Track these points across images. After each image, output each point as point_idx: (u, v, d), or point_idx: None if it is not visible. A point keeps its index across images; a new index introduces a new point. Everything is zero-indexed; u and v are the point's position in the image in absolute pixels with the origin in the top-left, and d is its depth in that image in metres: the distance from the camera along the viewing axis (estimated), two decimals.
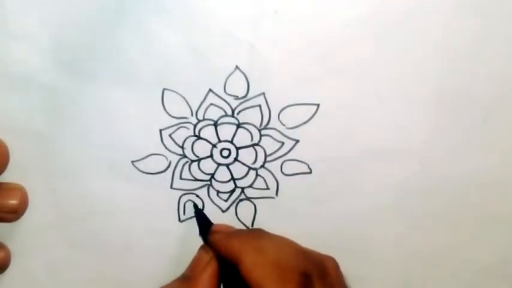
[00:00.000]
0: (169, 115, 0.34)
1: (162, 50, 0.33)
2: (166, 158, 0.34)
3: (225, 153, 0.34)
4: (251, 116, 0.34)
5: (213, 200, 0.35)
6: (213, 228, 0.32)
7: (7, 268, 0.34)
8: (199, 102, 0.34)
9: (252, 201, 0.35)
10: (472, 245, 0.35)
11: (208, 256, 0.30)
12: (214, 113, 0.34)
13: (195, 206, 0.34)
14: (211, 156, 0.34)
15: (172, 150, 0.34)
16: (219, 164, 0.34)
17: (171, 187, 0.34)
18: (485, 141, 0.35)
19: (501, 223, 0.35)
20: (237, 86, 0.33)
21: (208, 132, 0.34)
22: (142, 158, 0.34)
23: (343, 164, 0.34)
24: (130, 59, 0.33)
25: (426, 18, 0.33)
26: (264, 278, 0.26)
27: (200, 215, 0.33)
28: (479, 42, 0.34)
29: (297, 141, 0.34)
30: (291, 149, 0.34)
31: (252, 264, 0.27)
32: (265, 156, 0.34)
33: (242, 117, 0.34)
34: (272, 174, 0.34)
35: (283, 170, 0.34)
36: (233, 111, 0.34)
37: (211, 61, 0.33)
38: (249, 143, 0.34)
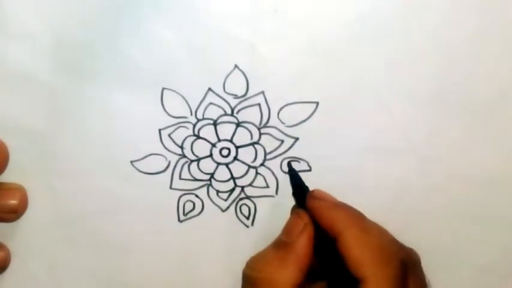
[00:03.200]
0: (169, 115, 0.34)
1: (161, 50, 0.33)
2: (166, 158, 0.34)
3: (225, 152, 0.34)
4: (250, 115, 0.34)
5: (213, 199, 0.35)
6: (315, 193, 0.30)
7: (7, 268, 0.34)
8: (198, 102, 0.34)
9: (252, 200, 0.34)
10: (472, 243, 0.35)
11: (303, 222, 0.28)
12: (213, 112, 0.34)
13: (289, 164, 0.33)
14: (210, 155, 0.34)
15: (172, 150, 0.34)
16: (218, 163, 0.34)
17: (171, 187, 0.34)
18: (485, 140, 0.34)
19: (501, 222, 0.35)
20: (237, 85, 0.34)
21: (207, 132, 0.34)
22: (142, 158, 0.34)
23: (343, 162, 0.34)
24: (130, 59, 0.33)
25: (425, 16, 0.33)
26: (364, 257, 0.26)
27: (294, 175, 0.32)
28: (479, 39, 0.34)
29: (297, 139, 0.34)
30: (291, 147, 0.34)
31: (355, 240, 0.26)
32: (265, 154, 0.34)
33: (241, 116, 0.34)
34: (272, 172, 0.34)
35: (283, 168, 0.34)
36: (232, 110, 0.34)
37: (210, 60, 0.33)
38: (248, 141, 0.34)
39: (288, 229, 0.29)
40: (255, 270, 0.27)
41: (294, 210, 0.30)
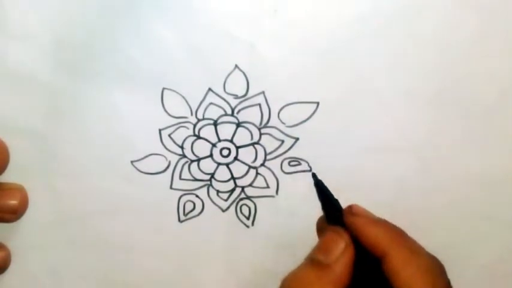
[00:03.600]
0: (169, 115, 0.34)
1: (161, 50, 0.33)
2: (166, 158, 0.34)
3: (225, 152, 0.34)
4: (251, 115, 0.34)
5: (213, 199, 0.35)
6: (355, 208, 0.28)
7: (7, 268, 0.34)
8: (198, 102, 0.34)
9: (252, 200, 0.34)
10: (472, 243, 0.35)
11: (343, 241, 0.26)
12: (213, 112, 0.34)
13: (314, 175, 0.29)
14: (211, 155, 0.34)
15: (172, 150, 0.34)
16: (218, 164, 0.34)
17: (171, 187, 0.34)
18: (485, 139, 0.34)
19: (501, 222, 0.35)
20: (237, 85, 0.34)
21: (208, 132, 0.34)
22: (142, 158, 0.34)
23: (343, 162, 0.34)
24: (130, 59, 0.33)
25: (425, 16, 0.33)
26: (414, 280, 0.24)
27: (322, 187, 0.29)
28: (479, 39, 0.34)
29: (297, 139, 0.34)
30: (291, 147, 0.34)
31: (404, 262, 0.25)
32: (265, 154, 0.34)
33: (242, 116, 0.34)
34: (272, 172, 0.34)
35: (283, 169, 0.34)
36: (233, 110, 0.34)
37: (210, 60, 0.33)
38: (248, 141, 0.34)
39: (326, 248, 0.27)
40: (295, 286, 0.26)
41: (330, 227, 0.28)
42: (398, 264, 0.25)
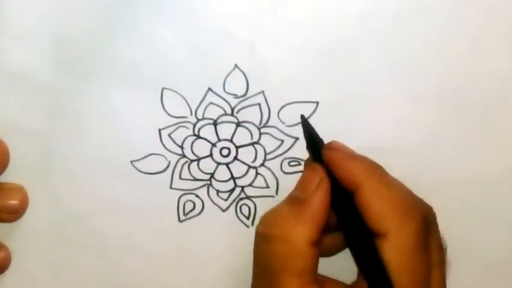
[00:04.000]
0: (169, 114, 0.34)
1: (161, 50, 0.33)
2: (166, 158, 0.34)
3: (225, 152, 0.34)
4: (250, 115, 0.34)
5: (213, 199, 0.34)
6: (331, 144, 0.29)
7: (7, 268, 0.34)
8: (198, 101, 0.34)
9: (252, 200, 0.34)
10: (472, 243, 0.35)
11: (318, 176, 0.27)
12: (213, 112, 0.34)
13: (302, 116, 0.31)
14: (210, 155, 0.34)
15: (172, 149, 0.34)
16: (218, 163, 0.34)
17: (171, 187, 0.34)
18: (485, 140, 0.34)
19: (501, 222, 0.35)
20: (237, 85, 0.34)
21: (207, 132, 0.34)
22: (142, 158, 0.34)
23: None
24: (130, 59, 0.33)
25: (425, 16, 0.33)
26: (385, 211, 0.24)
27: (308, 127, 0.30)
28: (480, 39, 0.34)
29: (297, 139, 0.34)
30: (291, 147, 0.34)
31: (375, 194, 0.25)
32: (265, 154, 0.34)
33: (241, 116, 0.34)
34: (272, 172, 0.34)
35: (283, 169, 0.34)
36: (232, 110, 0.34)
37: (210, 60, 0.33)
38: (248, 141, 0.34)
39: (302, 184, 0.27)
40: (270, 227, 0.26)
41: (308, 163, 0.29)
42: (370, 197, 0.25)
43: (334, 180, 0.27)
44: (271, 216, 0.27)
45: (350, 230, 0.26)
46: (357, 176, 0.26)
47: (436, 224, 0.27)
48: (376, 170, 0.27)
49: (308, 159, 0.30)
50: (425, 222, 0.25)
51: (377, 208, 0.25)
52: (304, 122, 0.30)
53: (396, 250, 0.24)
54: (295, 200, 0.27)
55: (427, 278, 0.25)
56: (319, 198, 0.26)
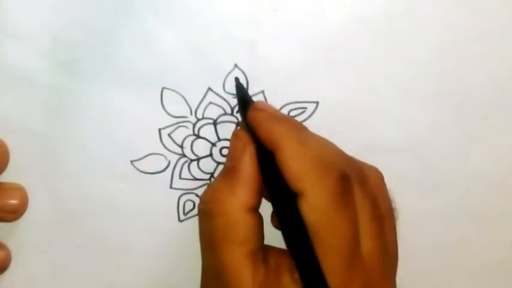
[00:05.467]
0: (169, 114, 0.34)
1: (161, 49, 0.33)
2: (166, 158, 0.34)
3: (225, 151, 0.34)
4: None
5: None
6: (256, 104, 0.28)
7: (7, 268, 0.34)
8: (198, 101, 0.34)
9: None
10: (472, 243, 0.35)
11: (242, 142, 0.27)
12: (213, 112, 0.34)
13: (237, 79, 0.31)
14: (210, 155, 0.34)
15: (172, 149, 0.34)
16: (218, 163, 0.34)
17: (171, 187, 0.34)
18: (485, 139, 0.34)
19: (501, 222, 0.35)
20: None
21: (207, 131, 0.34)
22: (142, 158, 0.34)
23: None
24: (130, 59, 0.33)
25: (426, 15, 0.33)
26: (302, 171, 0.24)
27: (241, 89, 0.30)
28: (480, 39, 0.34)
29: None
30: None
31: (292, 154, 0.25)
32: None
33: None
34: None
35: None
36: (232, 109, 0.34)
37: (210, 60, 0.33)
38: None
39: (230, 153, 0.27)
40: (208, 203, 0.26)
41: (232, 132, 0.29)
42: (288, 157, 0.25)
43: (259, 143, 0.26)
44: (208, 193, 0.27)
45: (274, 191, 0.26)
46: (276, 137, 0.25)
47: (367, 182, 0.27)
48: (295, 128, 0.26)
49: (235, 130, 0.29)
50: (343, 178, 0.25)
51: (294, 167, 0.24)
52: (238, 84, 0.30)
53: (313, 208, 0.24)
54: (226, 170, 0.27)
55: (350, 233, 0.24)
56: (245, 163, 0.26)
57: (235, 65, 0.33)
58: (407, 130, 0.34)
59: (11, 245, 0.34)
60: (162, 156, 0.34)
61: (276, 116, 0.28)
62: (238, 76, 0.32)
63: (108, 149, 0.34)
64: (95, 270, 0.35)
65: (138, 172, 0.34)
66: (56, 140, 0.34)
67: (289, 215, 0.25)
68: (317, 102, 0.34)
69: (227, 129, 0.34)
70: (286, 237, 0.25)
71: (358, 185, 0.26)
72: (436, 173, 0.34)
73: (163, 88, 0.33)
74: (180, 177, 0.34)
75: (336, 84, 0.34)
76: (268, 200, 0.27)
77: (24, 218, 0.34)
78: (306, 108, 0.34)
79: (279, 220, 0.26)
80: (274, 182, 0.25)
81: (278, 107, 0.34)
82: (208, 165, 0.34)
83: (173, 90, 0.33)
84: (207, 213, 0.26)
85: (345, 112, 0.34)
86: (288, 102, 0.34)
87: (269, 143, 0.25)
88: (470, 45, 0.34)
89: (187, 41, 0.33)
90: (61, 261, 0.35)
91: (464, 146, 0.34)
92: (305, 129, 0.28)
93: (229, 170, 0.27)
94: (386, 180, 0.34)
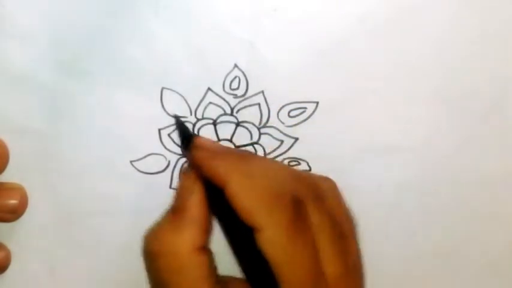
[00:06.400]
0: (168, 114, 0.34)
1: (160, 49, 0.33)
2: (166, 158, 0.34)
3: None
4: (250, 115, 0.34)
5: None
6: (196, 141, 0.27)
7: (7, 268, 0.34)
8: (198, 101, 0.34)
9: None
10: (472, 243, 0.35)
11: (190, 180, 0.26)
12: (213, 112, 0.34)
13: (176, 117, 0.31)
14: None
15: (172, 149, 0.34)
16: None
17: (171, 187, 0.34)
18: (485, 140, 0.34)
19: (501, 222, 0.35)
20: (236, 85, 0.33)
21: (207, 131, 0.34)
22: (142, 158, 0.34)
23: (343, 162, 0.34)
24: (130, 59, 0.33)
25: (426, 15, 0.33)
26: (252, 205, 0.24)
27: (181, 127, 0.29)
28: (480, 39, 0.34)
29: (296, 139, 0.34)
30: (290, 147, 0.34)
31: (238, 189, 0.24)
32: (265, 154, 0.34)
33: (241, 116, 0.34)
34: None
35: None
36: (232, 109, 0.34)
37: (210, 60, 0.33)
38: (248, 141, 0.34)
39: (177, 193, 0.27)
40: (154, 244, 0.26)
41: (180, 171, 0.28)
42: (233, 192, 0.24)
43: (207, 180, 0.26)
44: (153, 233, 0.26)
45: (228, 227, 0.26)
46: (221, 173, 0.25)
47: (320, 196, 0.26)
48: (239, 162, 0.26)
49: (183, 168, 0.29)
50: (296, 204, 0.24)
51: (245, 203, 0.24)
52: (178, 121, 0.30)
53: (270, 242, 0.24)
54: (173, 210, 0.26)
55: (311, 261, 0.24)
56: (194, 203, 0.25)
57: (235, 65, 0.33)
58: (407, 130, 0.34)
59: (11, 245, 0.34)
60: (162, 157, 0.34)
61: (217, 151, 0.27)
62: (178, 115, 0.32)
63: (108, 149, 0.34)
64: (94, 270, 0.35)
65: (138, 172, 0.34)
66: (56, 140, 0.34)
67: (247, 249, 0.24)
68: (317, 102, 0.34)
69: (227, 129, 0.34)
70: (246, 271, 0.25)
71: (313, 203, 0.25)
72: (436, 173, 0.34)
73: (163, 88, 0.33)
74: None
75: (336, 84, 0.34)
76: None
77: (24, 218, 0.34)
78: (306, 108, 0.34)
79: (236, 255, 0.25)
80: (227, 218, 0.25)
81: (278, 107, 0.34)
82: None
83: (173, 90, 0.33)
84: (155, 256, 0.26)
85: (345, 112, 0.34)
86: (288, 102, 0.34)
87: (216, 181, 0.25)
88: (470, 45, 0.34)
89: (187, 41, 0.33)
90: (61, 261, 0.35)
91: (464, 146, 0.34)
92: (249, 158, 0.27)
93: (176, 209, 0.26)
94: (386, 180, 0.34)
